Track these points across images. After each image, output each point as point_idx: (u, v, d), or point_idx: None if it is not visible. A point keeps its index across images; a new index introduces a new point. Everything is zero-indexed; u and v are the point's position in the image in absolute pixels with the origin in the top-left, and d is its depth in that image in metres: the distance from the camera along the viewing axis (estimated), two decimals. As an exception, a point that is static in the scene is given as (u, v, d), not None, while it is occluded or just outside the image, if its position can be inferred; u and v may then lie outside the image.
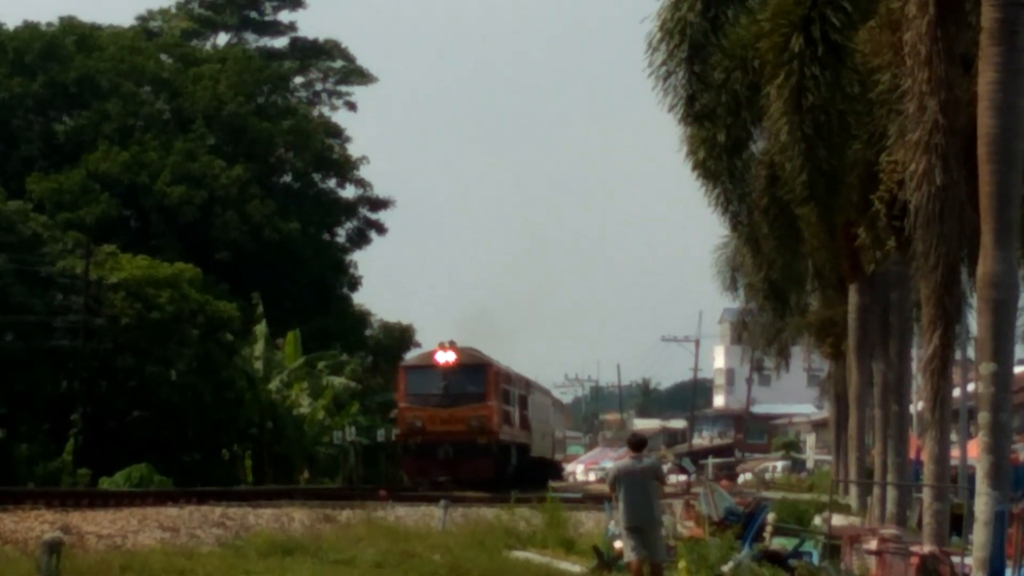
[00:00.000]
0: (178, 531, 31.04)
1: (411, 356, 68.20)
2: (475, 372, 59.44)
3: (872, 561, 24.48)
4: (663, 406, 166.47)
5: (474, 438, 57.68)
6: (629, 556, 22.34)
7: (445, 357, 59.09)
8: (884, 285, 34.00)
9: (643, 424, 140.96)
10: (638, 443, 23.42)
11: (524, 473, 62.33)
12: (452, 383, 58.47)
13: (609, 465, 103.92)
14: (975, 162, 19.70)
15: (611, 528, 28.64)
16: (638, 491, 22.30)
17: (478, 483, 54.98)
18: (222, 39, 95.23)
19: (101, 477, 50.65)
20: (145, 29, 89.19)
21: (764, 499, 34.85)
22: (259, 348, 65.29)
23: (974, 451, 23.59)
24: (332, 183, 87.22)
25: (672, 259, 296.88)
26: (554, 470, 78.52)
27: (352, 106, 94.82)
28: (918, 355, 36.09)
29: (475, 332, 67.25)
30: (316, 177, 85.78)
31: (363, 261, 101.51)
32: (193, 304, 58.96)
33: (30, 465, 52.61)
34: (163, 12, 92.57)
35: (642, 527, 22.13)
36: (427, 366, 60.01)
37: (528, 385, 69.80)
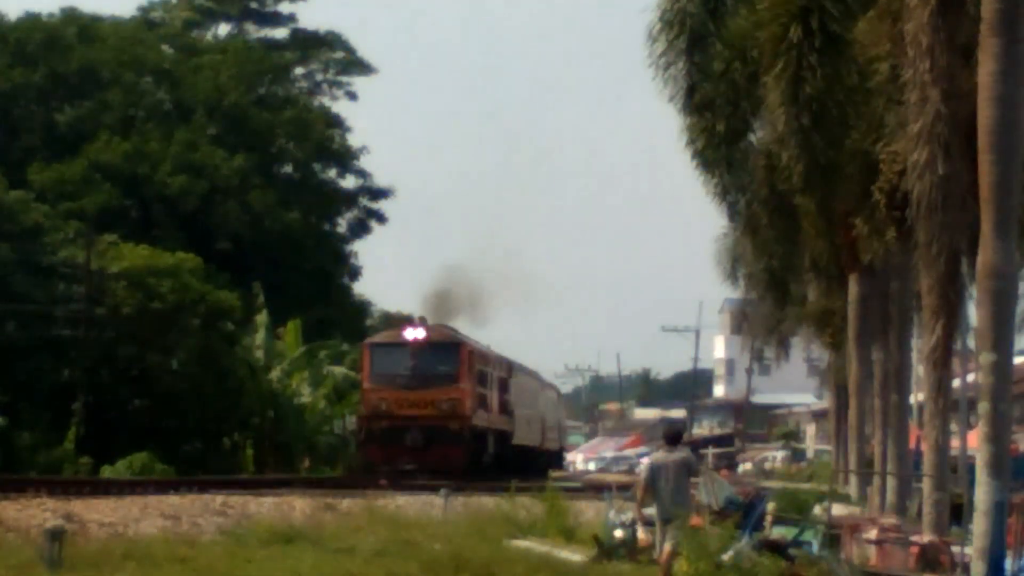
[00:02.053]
0: (179, 519, 31.08)
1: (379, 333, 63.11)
2: (447, 351, 55.11)
3: (872, 550, 24.54)
4: (663, 396, 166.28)
5: (444, 423, 53.46)
6: (660, 548, 21.77)
7: (414, 334, 55.23)
8: (884, 275, 34.00)
9: (643, 413, 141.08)
10: (673, 436, 22.37)
11: (505, 462, 58.11)
12: (421, 362, 54.24)
13: (609, 455, 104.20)
14: (977, 151, 19.73)
15: (611, 518, 28.67)
16: (671, 485, 21.57)
17: (449, 472, 50.64)
18: (223, 30, 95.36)
19: (103, 465, 50.72)
20: (146, 20, 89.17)
21: (764, 489, 34.87)
22: (260, 337, 65.33)
23: (974, 441, 23.65)
24: (332, 173, 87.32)
25: (672, 249, 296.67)
26: (548, 459, 75.07)
27: (352, 96, 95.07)
28: (917, 345, 36.18)
29: (440, 310, 63.56)
30: (317, 167, 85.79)
31: (363, 250, 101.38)
32: (194, 294, 59.00)
33: (32, 453, 52.65)
34: (164, 3, 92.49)
35: (672, 519, 21.66)
36: (394, 343, 55.53)
37: (510, 367, 64.89)
